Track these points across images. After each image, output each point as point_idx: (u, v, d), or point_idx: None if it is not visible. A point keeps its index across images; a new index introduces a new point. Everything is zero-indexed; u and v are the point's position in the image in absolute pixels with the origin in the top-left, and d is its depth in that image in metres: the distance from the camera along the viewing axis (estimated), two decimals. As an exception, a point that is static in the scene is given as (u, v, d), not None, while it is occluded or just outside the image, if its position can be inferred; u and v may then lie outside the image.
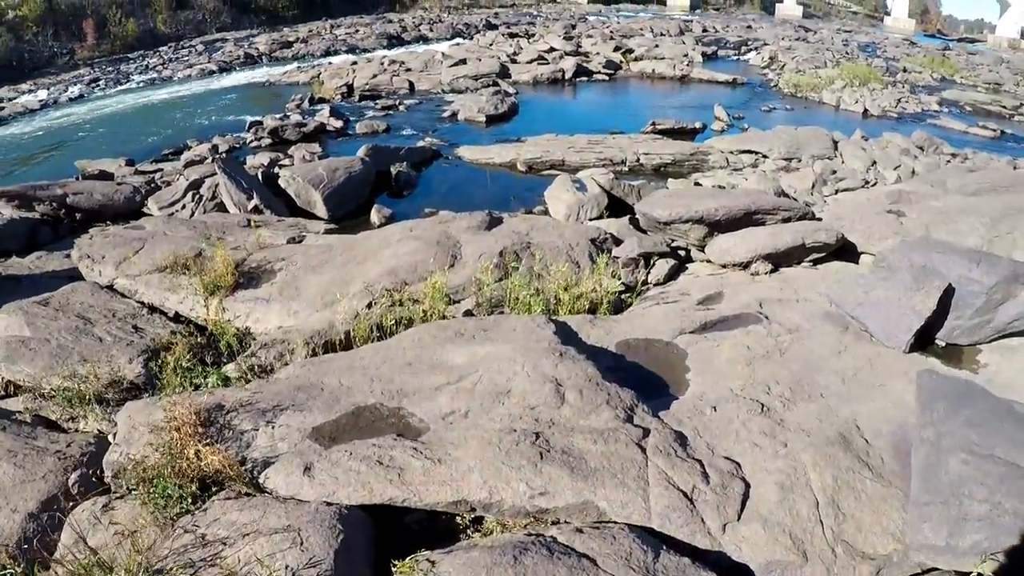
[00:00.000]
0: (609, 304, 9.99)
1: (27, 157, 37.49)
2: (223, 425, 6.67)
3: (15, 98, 62.32)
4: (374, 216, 18.07)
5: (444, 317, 9.18)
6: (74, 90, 61.57)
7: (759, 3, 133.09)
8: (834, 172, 20.93)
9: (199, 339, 9.49)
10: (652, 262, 11.67)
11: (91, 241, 12.63)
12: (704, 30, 68.88)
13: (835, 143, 24.28)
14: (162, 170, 24.70)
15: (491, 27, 74.57)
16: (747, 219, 12.17)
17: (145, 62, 73.28)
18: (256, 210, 17.21)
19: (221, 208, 17.62)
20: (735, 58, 53.00)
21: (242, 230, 12.78)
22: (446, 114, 31.97)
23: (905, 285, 8.98)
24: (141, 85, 60.29)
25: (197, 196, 18.10)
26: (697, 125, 28.42)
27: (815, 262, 11.74)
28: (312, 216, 18.24)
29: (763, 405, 7.10)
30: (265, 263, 11.17)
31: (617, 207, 17.49)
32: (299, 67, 54.67)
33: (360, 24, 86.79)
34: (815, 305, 9.65)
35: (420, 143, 25.39)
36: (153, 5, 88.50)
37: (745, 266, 11.39)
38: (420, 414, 6.79)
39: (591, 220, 16.76)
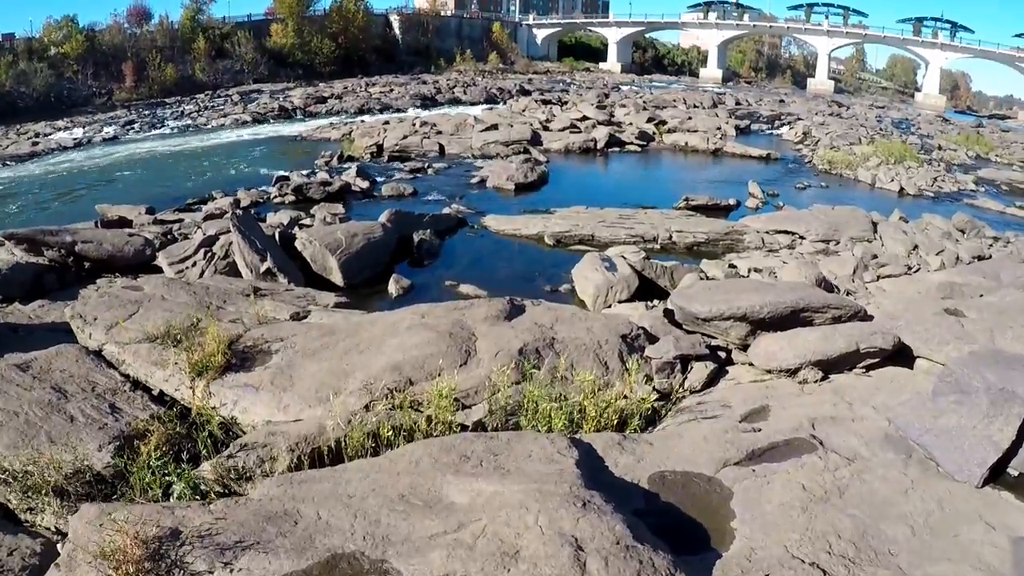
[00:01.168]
0: (641, 418, 8.89)
1: (53, 195, 37.32)
2: (173, 562, 5.58)
3: (51, 134, 62.77)
4: (392, 286, 17.26)
5: (451, 428, 8.10)
6: (109, 131, 61.97)
7: (790, 77, 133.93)
8: (875, 257, 19.90)
9: (179, 428, 8.50)
10: (690, 365, 10.57)
11: (85, 300, 11.83)
12: (737, 103, 68.47)
13: (874, 224, 23.22)
14: (182, 221, 24.17)
15: (525, 93, 74.50)
16: (794, 317, 11.09)
17: (181, 108, 73.94)
18: (268, 273, 16.42)
19: (233, 268, 16.83)
20: (768, 132, 52.38)
21: (245, 299, 11.88)
22: (474, 180, 31.33)
23: (980, 411, 7.89)
24: (175, 131, 60.67)
25: (209, 254, 17.30)
26: (731, 202, 27.48)
27: (868, 367, 10.63)
28: (327, 282, 17.50)
29: (824, 573, 5.97)
30: (262, 342, 10.21)
31: (648, 288, 16.59)
32: (332, 123, 54.65)
33: (395, 83, 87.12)
34: (873, 425, 8.53)
35: (446, 210, 24.63)
36: (193, 53, 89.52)
37: (792, 372, 10.28)
38: (407, 574, 5.63)
39: (620, 303, 15.91)
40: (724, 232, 22.01)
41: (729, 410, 9.06)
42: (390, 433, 7.63)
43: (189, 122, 65.22)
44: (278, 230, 19.07)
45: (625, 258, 17.76)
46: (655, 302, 16.01)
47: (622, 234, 21.57)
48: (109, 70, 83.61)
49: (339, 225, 19.82)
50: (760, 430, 8.31)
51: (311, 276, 17.50)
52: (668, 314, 12.30)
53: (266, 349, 9.96)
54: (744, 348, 11.15)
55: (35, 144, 57.99)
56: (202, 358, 9.29)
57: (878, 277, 18.27)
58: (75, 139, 59.51)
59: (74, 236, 17.85)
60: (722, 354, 11.18)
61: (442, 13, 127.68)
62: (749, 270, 18.53)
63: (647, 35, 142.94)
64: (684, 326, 11.78)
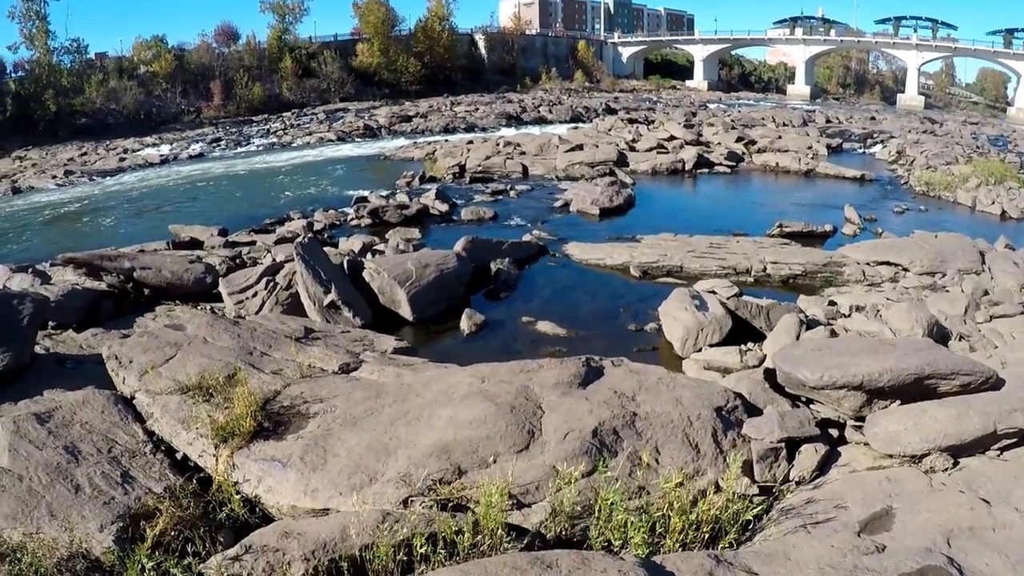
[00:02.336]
0: (738, 528, 7.21)
1: (132, 212, 37.42)
2: None
3: (139, 150, 63.75)
4: (464, 322, 16.01)
5: (503, 536, 6.52)
6: (195, 148, 62.82)
7: (879, 93, 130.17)
8: (986, 293, 17.78)
9: (194, 507, 7.25)
10: (797, 449, 8.79)
11: (123, 340, 10.70)
12: (827, 120, 65.88)
13: (981, 255, 20.98)
14: (254, 243, 23.60)
15: (610, 111, 73.37)
16: (917, 384, 9.31)
17: (267, 126, 74.62)
18: (332, 306, 15.31)
19: (295, 299, 15.75)
20: (860, 151, 49.77)
21: (292, 344, 10.59)
22: (558, 203, 29.94)
23: None
24: (260, 148, 61.11)
25: (272, 284, 16.26)
26: (827, 228, 25.43)
27: (1003, 447, 8.78)
28: (396, 316, 16.42)
29: None
30: (300, 402, 8.90)
31: (741, 328, 15.00)
32: (415, 143, 54.34)
33: (480, 102, 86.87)
34: (1019, 535, 6.78)
35: (526, 236, 23.26)
36: (280, 72, 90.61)
37: (917, 458, 8.51)
38: None
39: (712, 346, 14.43)
40: (822, 263, 20.09)
41: (844, 512, 7.27)
42: (425, 546, 6.11)
43: (275, 140, 65.83)
44: (347, 258, 17.97)
45: (716, 294, 16.16)
46: (750, 345, 14.46)
47: (712, 265, 19.93)
48: (197, 88, 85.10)
49: (410, 254, 18.62)
50: (884, 548, 6.57)
51: (378, 309, 16.36)
52: (769, 375, 10.63)
53: (304, 411, 8.63)
54: (858, 420, 9.36)
55: (122, 160, 58.99)
56: (229, 421, 8.03)
57: (991, 317, 16.25)
58: (162, 155, 60.43)
59: (132, 262, 17.00)
60: (833, 431, 9.27)
61: (527, 32, 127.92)
62: (851, 308, 16.67)
63: (733, 52, 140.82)
64: (786, 388, 10.10)
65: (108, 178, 52.02)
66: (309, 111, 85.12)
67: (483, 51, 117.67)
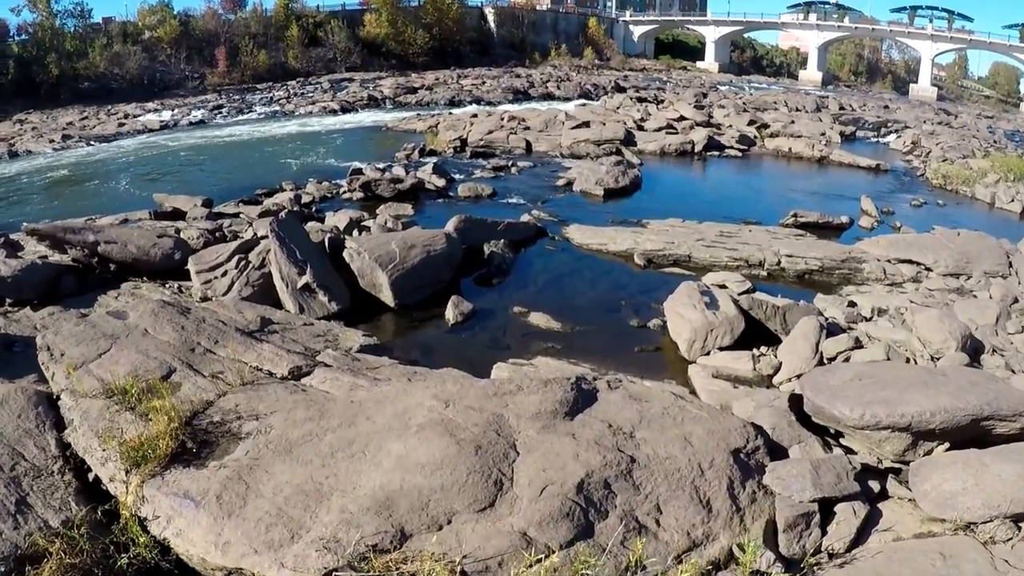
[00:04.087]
0: None
1: (123, 178, 36.68)
2: None
3: (139, 115, 62.99)
4: (450, 311, 14.76)
5: None
6: (196, 114, 62.18)
7: (891, 82, 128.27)
8: (1016, 301, 16.48)
9: (91, 550, 6.05)
10: (831, 509, 7.31)
11: (58, 329, 9.54)
12: (841, 107, 64.13)
13: (1008, 256, 19.60)
14: (239, 215, 22.64)
15: (620, 90, 71.77)
16: (973, 426, 7.92)
17: (271, 94, 73.73)
18: (306, 289, 14.12)
19: (268, 280, 14.55)
20: (874, 140, 48.23)
21: (241, 341, 9.33)
22: (560, 182, 28.64)
23: None
24: (262, 117, 60.59)
25: (244, 262, 15.04)
26: (844, 220, 24.01)
27: None
28: (377, 301, 15.18)
29: None
30: (232, 418, 7.64)
31: (753, 329, 13.68)
32: (419, 114, 53.37)
33: (487, 76, 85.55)
34: None
35: (524, 217, 21.92)
36: (286, 40, 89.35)
37: (974, 524, 7.09)
38: None
39: (721, 349, 13.10)
40: (840, 259, 18.69)
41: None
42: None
43: (277, 108, 65.13)
44: (328, 235, 16.73)
45: (727, 289, 14.93)
46: (763, 350, 13.18)
47: (723, 256, 18.62)
48: (202, 55, 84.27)
49: (396, 233, 17.34)
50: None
51: (358, 293, 15.14)
52: (794, 402, 9.31)
53: (235, 431, 7.34)
54: (900, 464, 8.02)
55: (121, 125, 58.14)
56: (144, 441, 6.79)
57: (1022, 328, 14.95)
58: (162, 121, 59.83)
59: (97, 235, 15.79)
60: (874, 483, 7.76)
61: (538, 7, 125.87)
62: (873, 311, 15.33)
63: (745, 35, 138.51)
64: (813, 418, 8.78)
65: (106, 143, 51.33)
66: (314, 80, 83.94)
67: (492, 25, 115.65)
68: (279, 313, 12.69)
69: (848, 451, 8.43)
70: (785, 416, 8.81)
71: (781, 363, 12.71)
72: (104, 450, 7.00)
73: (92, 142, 51.57)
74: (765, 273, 18.29)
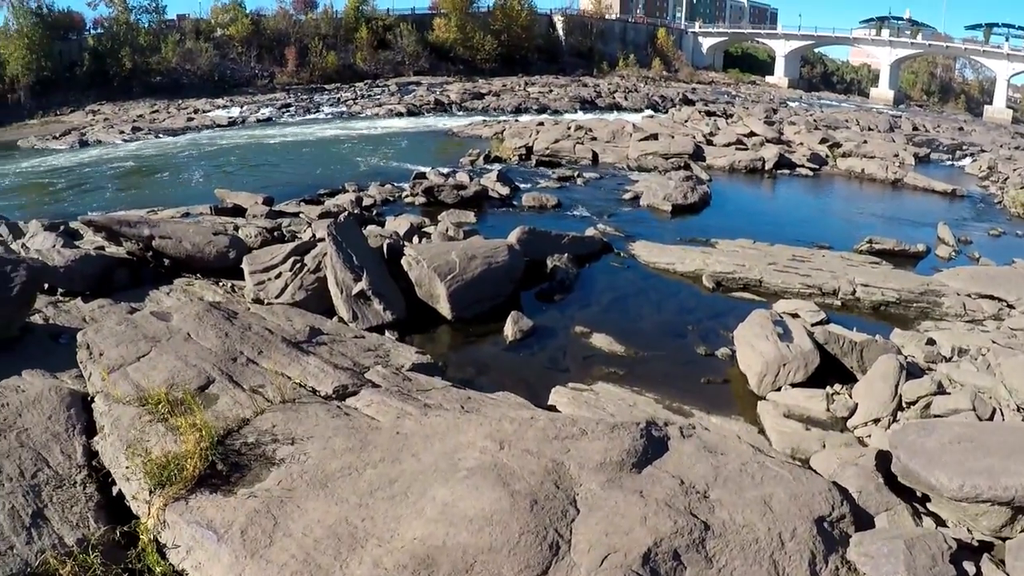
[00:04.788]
0: None
1: (188, 172, 37.30)
2: None
3: (208, 111, 63.95)
4: (509, 327, 14.06)
5: None
6: (264, 112, 62.90)
7: (964, 103, 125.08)
8: (1109, 348, 15.31)
9: (103, 574, 5.52)
10: None
11: (99, 327, 9.10)
12: (914, 128, 62.04)
13: None
14: (299, 215, 22.39)
15: (688, 102, 70.92)
16: None
17: (338, 95, 74.48)
18: (361, 296, 13.58)
19: (322, 285, 14.03)
20: (948, 163, 46.30)
21: (286, 353, 8.75)
22: (627, 196, 27.82)
23: None
24: (329, 117, 61.12)
25: (299, 265, 14.57)
26: (920, 248, 22.69)
27: None
28: (433, 312, 14.60)
29: None
30: (268, 441, 7.05)
31: (827, 364, 12.71)
32: (485, 120, 53.35)
33: (555, 84, 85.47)
34: None
35: (589, 231, 21.14)
36: (355, 42, 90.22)
37: None
38: None
39: (793, 385, 12.14)
40: (919, 291, 17.52)
41: None
42: None
43: (344, 109, 65.67)
44: (387, 241, 16.20)
45: (800, 319, 14.02)
46: (837, 388, 12.16)
47: (796, 282, 17.64)
48: (272, 54, 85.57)
49: (457, 243, 16.74)
50: None
51: (414, 303, 14.55)
52: (881, 460, 8.46)
53: (269, 455, 6.69)
54: (996, 539, 7.16)
55: (190, 120, 59.04)
56: (170, 460, 6.24)
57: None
58: (230, 118, 60.61)
59: (152, 229, 15.45)
60: (968, 565, 6.75)
61: (607, 16, 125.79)
62: (953, 350, 14.23)
63: (816, 50, 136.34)
64: (900, 478, 7.92)
65: (174, 136, 52.27)
66: (382, 83, 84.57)
67: (561, 33, 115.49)
68: (330, 323, 12.16)
69: (936, 519, 7.62)
70: (873, 478, 7.96)
71: (856, 405, 11.82)
72: (129, 465, 6.46)
73: (161, 135, 52.47)
74: (839, 303, 17.26)
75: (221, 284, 15.16)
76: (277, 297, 13.65)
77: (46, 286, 13.55)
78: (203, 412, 6.88)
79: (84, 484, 6.57)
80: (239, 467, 6.57)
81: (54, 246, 15.63)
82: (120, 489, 6.53)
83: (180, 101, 69.65)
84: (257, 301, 13.74)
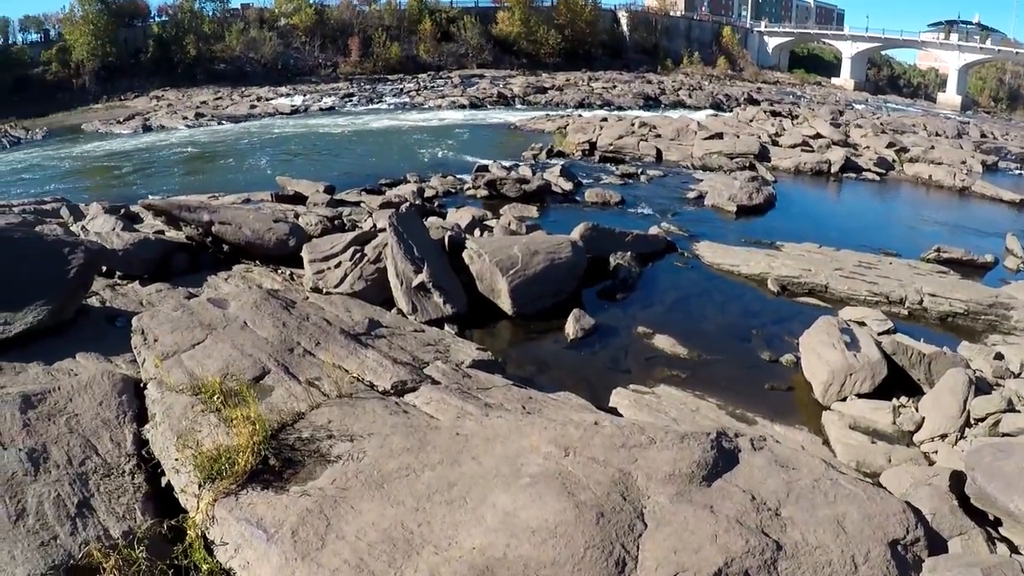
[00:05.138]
0: None
1: (250, 158, 37.53)
2: None
3: (271, 99, 64.60)
4: (570, 325, 13.70)
5: None
6: (327, 101, 63.34)
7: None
8: None
9: (148, 570, 5.25)
10: None
11: (155, 312, 8.90)
12: (982, 135, 60.01)
13: None
14: (360, 204, 22.26)
15: (752, 102, 69.73)
16: None
17: (401, 86, 74.83)
18: (422, 288, 13.32)
19: (382, 275, 13.79)
20: (1017, 172, 44.60)
21: (344, 345, 8.42)
22: (691, 195, 27.29)
23: None
24: (391, 107, 61.35)
25: (359, 255, 14.34)
26: (988, 259, 21.76)
27: None
28: (494, 307, 14.30)
29: None
30: (323, 436, 6.73)
31: (894, 378, 12.17)
32: (548, 115, 53.03)
33: (618, 80, 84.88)
34: None
35: (653, 229, 20.70)
36: (418, 33, 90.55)
37: None
38: None
39: (860, 396, 11.71)
40: (987, 303, 16.73)
41: None
42: None
43: (407, 100, 65.89)
44: (449, 233, 15.91)
45: (868, 328, 13.47)
46: (903, 401, 11.74)
47: (862, 290, 17.01)
48: (335, 43, 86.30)
49: (519, 237, 16.42)
50: None
51: (475, 297, 14.27)
52: (954, 481, 7.95)
53: (324, 452, 6.36)
54: None
55: (253, 107, 59.58)
56: (222, 453, 5.97)
57: None
58: (293, 106, 61.07)
59: (212, 214, 15.35)
60: None
61: (671, 13, 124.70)
62: (1022, 365, 13.62)
63: (883, 52, 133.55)
64: (972, 500, 7.40)
65: (236, 123, 52.71)
66: (444, 75, 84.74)
67: (625, 29, 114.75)
68: (389, 315, 11.91)
69: (1010, 544, 7.14)
70: (947, 500, 7.47)
71: (923, 419, 11.29)
72: (178, 457, 6.20)
73: (223, 121, 53.00)
74: (906, 312, 16.61)
75: (280, 272, 15.02)
76: (336, 287, 13.45)
77: (104, 269, 13.50)
78: (257, 404, 6.59)
79: (132, 474, 6.33)
80: (292, 463, 6.30)
81: (113, 229, 15.68)
82: (169, 481, 6.28)
83: (243, 89, 70.44)
84: (316, 290, 13.56)
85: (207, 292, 13.17)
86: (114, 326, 11.18)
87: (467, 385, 8.32)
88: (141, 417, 7.17)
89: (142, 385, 7.68)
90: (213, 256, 15.47)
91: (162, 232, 16.10)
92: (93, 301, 12.35)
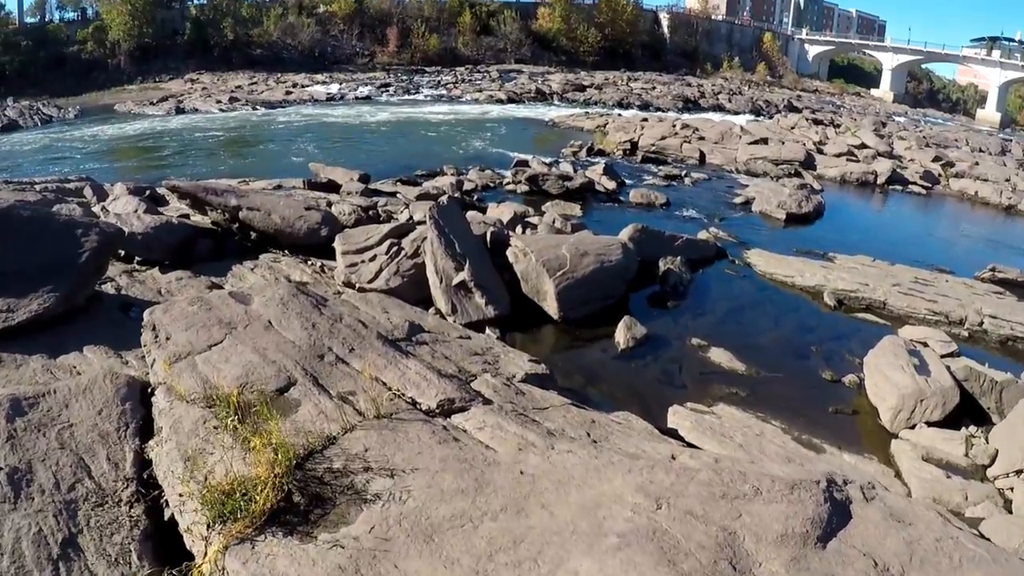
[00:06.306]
0: None
1: (283, 143, 37.18)
2: None
3: (307, 86, 64.26)
4: (621, 333, 12.65)
5: None
6: (364, 90, 63.04)
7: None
8: None
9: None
10: None
11: (168, 306, 7.88)
12: (1025, 153, 58.77)
13: None
14: (395, 195, 21.35)
15: (793, 109, 68.83)
16: None
17: (438, 78, 74.43)
18: (462, 287, 12.33)
19: (420, 271, 12.80)
20: None
21: (382, 353, 7.27)
22: (738, 200, 26.23)
23: None
24: (428, 99, 61.13)
25: (396, 248, 13.34)
26: None
27: None
28: (538, 310, 13.31)
29: None
30: (359, 469, 5.46)
31: (962, 404, 11.13)
32: (587, 113, 52.38)
33: (658, 81, 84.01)
34: None
35: (702, 234, 19.63)
36: (458, 26, 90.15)
37: None
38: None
39: (930, 425, 10.72)
40: None
41: None
42: None
43: (444, 92, 65.53)
44: (492, 230, 14.92)
45: (934, 350, 12.40)
46: (974, 431, 10.74)
47: (921, 308, 15.88)
48: (374, 33, 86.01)
49: (567, 237, 15.35)
50: None
51: (518, 298, 13.25)
52: None
53: (359, 487, 5.07)
54: None
55: (288, 93, 59.22)
56: (237, 487, 4.87)
57: None
58: (329, 94, 60.79)
59: (240, 199, 14.43)
60: None
61: (713, 17, 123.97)
62: None
63: (923, 66, 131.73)
64: None
65: (271, 109, 52.47)
66: (483, 68, 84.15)
67: (666, 30, 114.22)
68: (431, 318, 10.91)
69: None
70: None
71: (996, 451, 10.25)
72: (188, 483, 5.12)
73: (258, 107, 52.63)
74: (965, 333, 15.43)
75: (310, 263, 14.11)
76: (370, 282, 12.48)
77: (122, 253, 12.66)
78: (280, 424, 5.52)
79: (130, 504, 5.29)
80: (321, 501, 5.04)
81: (136, 211, 14.79)
82: (173, 514, 5.24)
83: (279, 75, 70.11)
84: (348, 284, 12.62)
85: (231, 282, 12.31)
86: (129, 316, 10.34)
87: (522, 404, 7.17)
88: (146, 429, 6.16)
89: (150, 390, 6.69)
90: (239, 243, 14.59)
91: (187, 216, 15.23)
92: (108, 288, 11.56)
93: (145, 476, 5.62)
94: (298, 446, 5.39)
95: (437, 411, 6.52)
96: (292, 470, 5.09)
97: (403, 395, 6.65)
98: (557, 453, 5.77)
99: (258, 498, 4.75)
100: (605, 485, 5.30)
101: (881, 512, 5.69)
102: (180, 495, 5.07)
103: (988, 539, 7.25)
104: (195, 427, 5.78)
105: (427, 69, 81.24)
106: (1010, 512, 8.83)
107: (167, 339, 7.21)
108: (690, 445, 8.22)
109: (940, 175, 38.06)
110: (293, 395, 6.22)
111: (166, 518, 5.26)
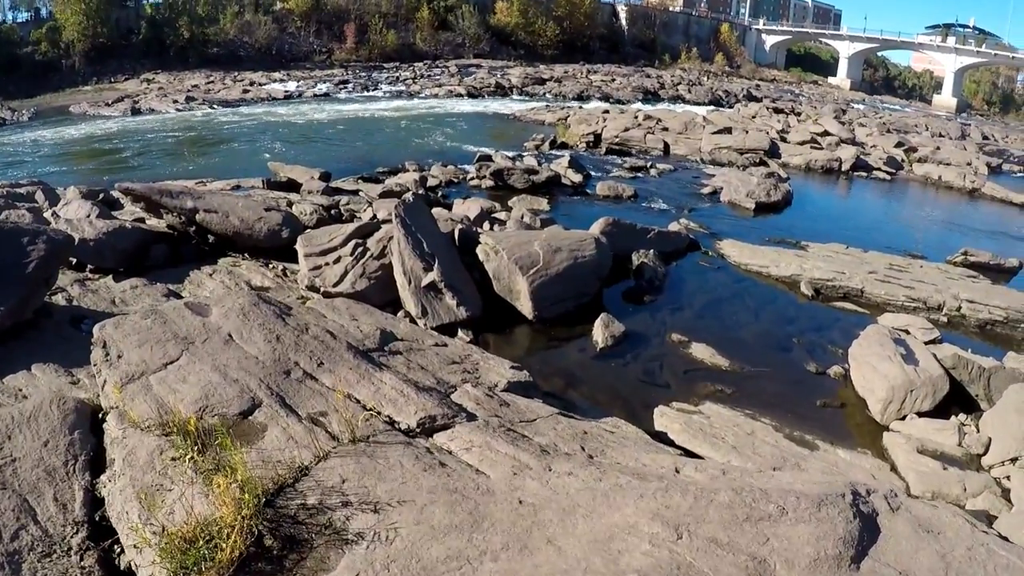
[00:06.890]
0: None
1: (240, 143, 37.17)
2: None
3: (265, 84, 63.54)
4: (598, 332, 12.19)
5: None
6: (322, 87, 62.71)
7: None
8: None
9: None
10: None
11: (120, 321, 7.28)
12: (984, 137, 59.28)
13: None
14: (358, 193, 20.89)
15: (752, 99, 69.26)
16: None
17: (397, 74, 74.14)
18: (432, 288, 11.79)
19: (387, 273, 12.26)
20: (1020, 175, 43.80)
21: (354, 366, 6.69)
22: (705, 190, 25.92)
23: None
24: (387, 95, 60.85)
25: (361, 249, 12.77)
26: (1014, 263, 20.55)
27: None
28: (511, 309, 12.80)
29: None
30: (335, 504, 4.82)
31: (957, 395, 11.04)
32: (548, 106, 52.19)
33: (617, 73, 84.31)
34: None
35: (673, 225, 19.23)
36: (416, 22, 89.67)
37: None
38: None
39: (920, 415, 10.47)
40: None
41: None
42: None
43: (403, 88, 65.21)
44: (459, 226, 14.38)
45: (917, 338, 12.15)
46: (964, 419, 10.60)
47: (899, 294, 15.63)
48: (331, 30, 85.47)
49: (538, 232, 14.81)
50: None
51: (490, 298, 12.72)
52: None
53: (338, 526, 4.47)
54: None
55: (246, 92, 58.58)
56: (199, 534, 4.27)
57: None
58: (286, 92, 60.43)
59: (197, 201, 13.76)
60: None
61: (670, 8, 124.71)
62: None
63: (879, 54, 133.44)
64: None
65: (228, 108, 51.87)
66: (441, 64, 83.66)
67: (624, 23, 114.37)
68: (403, 324, 10.31)
69: None
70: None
71: (989, 439, 9.99)
72: (145, 525, 4.53)
73: (215, 106, 52.03)
74: (945, 319, 15.22)
75: (271, 266, 13.51)
76: (335, 285, 11.89)
77: (74, 261, 12.04)
78: (245, 455, 4.92)
79: (81, 553, 4.70)
80: (297, 544, 4.46)
81: (88, 216, 14.08)
82: (131, 562, 4.65)
83: (236, 73, 69.21)
84: (312, 289, 12.05)
85: (188, 289, 11.70)
86: (80, 330, 9.74)
87: (508, 417, 6.61)
88: (97, 462, 5.58)
89: (101, 415, 6.11)
90: (197, 248, 13.90)
91: (142, 220, 14.51)
92: (59, 299, 10.94)
93: (97, 517, 5.04)
94: (266, 479, 4.81)
95: (418, 430, 5.97)
96: (261, 509, 4.53)
97: (379, 413, 6.06)
98: (556, 476, 5.22)
99: (224, 545, 4.17)
100: (616, 513, 4.77)
101: (909, 523, 5.28)
102: (135, 546, 4.49)
103: (1008, 539, 6.95)
104: (151, 459, 5.21)
105: (385, 65, 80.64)
106: (1009, 502, 8.65)
107: (119, 357, 6.63)
108: (685, 450, 7.85)
109: (903, 160, 38.29)
110: (258, 418, 5.66)
111: (121, 567, 4.68)
